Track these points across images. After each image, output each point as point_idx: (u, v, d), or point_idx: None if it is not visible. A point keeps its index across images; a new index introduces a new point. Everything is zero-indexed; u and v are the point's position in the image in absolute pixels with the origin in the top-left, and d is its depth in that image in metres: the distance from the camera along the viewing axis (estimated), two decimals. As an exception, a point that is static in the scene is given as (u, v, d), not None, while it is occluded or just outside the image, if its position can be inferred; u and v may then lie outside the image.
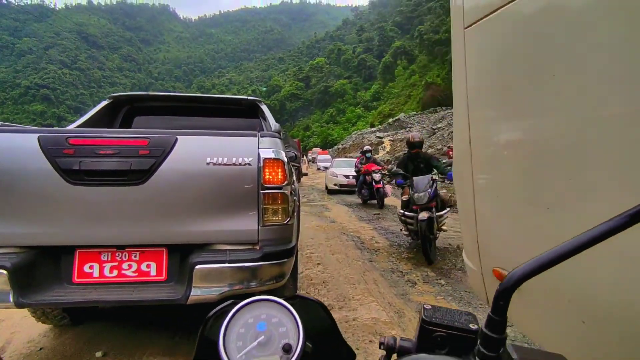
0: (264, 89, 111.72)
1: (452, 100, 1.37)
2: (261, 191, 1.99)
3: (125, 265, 1.93)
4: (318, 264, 4.28)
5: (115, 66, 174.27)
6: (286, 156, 2.22)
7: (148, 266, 1.94)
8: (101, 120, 3.24)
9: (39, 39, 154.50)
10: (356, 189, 10.83)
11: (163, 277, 1.94)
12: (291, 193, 2.22)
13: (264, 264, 1.95)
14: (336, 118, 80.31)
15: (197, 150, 2.01)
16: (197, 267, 1.86)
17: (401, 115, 45.40)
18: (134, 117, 3.60)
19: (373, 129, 46.86)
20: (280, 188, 2.03)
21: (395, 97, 66.91)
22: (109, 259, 1.93)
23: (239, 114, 3.65)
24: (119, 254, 1.94)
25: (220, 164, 1.96)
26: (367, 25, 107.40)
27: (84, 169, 1.85)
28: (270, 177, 2.02)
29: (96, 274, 1.90)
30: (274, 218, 2.04)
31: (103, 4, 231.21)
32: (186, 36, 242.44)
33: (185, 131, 2.18)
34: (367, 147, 10.64)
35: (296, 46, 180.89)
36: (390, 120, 45.27)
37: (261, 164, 2.00)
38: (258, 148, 2.10)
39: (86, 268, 1.90)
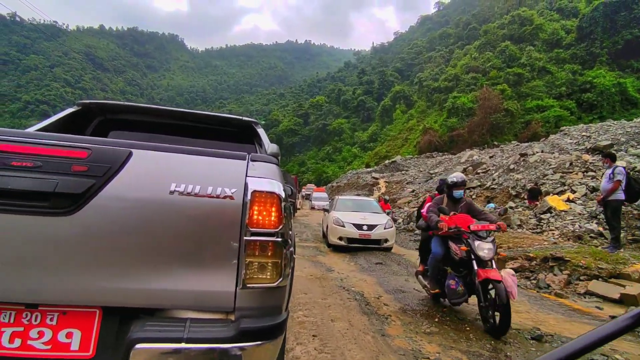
0: (263, 122, 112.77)
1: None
2: (245, 237, 1.41)
3: (34, 333, 1.28)
4: (314, 336, 3.26)
5: (118, 89, 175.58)
6: (285, 190, 1.49)
7: (69, 335, 1.30)
8: (65, 132, 2.35)
9: (46, 57, 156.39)
10: (417, 260, 5.38)
11: (90, 353, 1.30)
12: (287, 242, 1.46)
13: (239, 346, 1.30)
14: (332, 156, 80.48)
15: (158, 172, 1.43)
16: (138, 347, 1.25)
17: (398, 158, 45.42)
18: (109, 132, 2.81)
19: (369, 169, 46.63)
20: (272, 234, 1.43)
21: (392, 140, 67.36)
22: (12, 321, 1.29)
23: (231, 137, 2.91)
24: (27, 315, 1.30)
25: (189, 194, 1.39)
26: (368, 68, 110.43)
27: None
28: (260, 217, 1.43)
29: None
30: (260, 277, 1.43)
31: (115, 29, 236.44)
32: (192, 66, 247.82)
33: (145, 144, 1.47)
34: (457, 175, 4.44)
35: (297, 84, 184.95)
36: (387, 161, 45.23)
37: (248, 198, 1.42)
38: (246, 175, 1.48)
39: None
